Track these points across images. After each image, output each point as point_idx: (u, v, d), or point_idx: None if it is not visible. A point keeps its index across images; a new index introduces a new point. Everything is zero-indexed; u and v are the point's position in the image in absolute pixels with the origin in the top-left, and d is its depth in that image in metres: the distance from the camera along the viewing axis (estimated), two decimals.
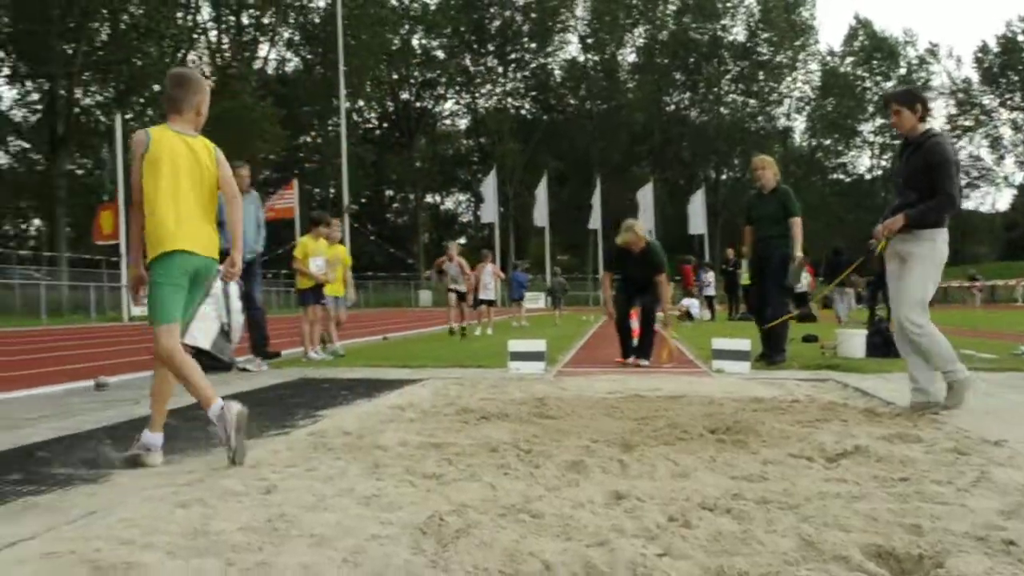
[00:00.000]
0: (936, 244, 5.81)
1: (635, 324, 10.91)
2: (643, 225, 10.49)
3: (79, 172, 47.29)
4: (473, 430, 5.26)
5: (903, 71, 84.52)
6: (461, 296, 18.53)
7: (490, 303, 20.04)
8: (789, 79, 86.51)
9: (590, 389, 7.62)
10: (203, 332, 9.73)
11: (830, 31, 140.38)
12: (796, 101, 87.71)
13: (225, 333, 9.95)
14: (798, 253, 9.67)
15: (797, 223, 9.84)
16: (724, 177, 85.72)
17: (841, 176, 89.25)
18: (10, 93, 71.28)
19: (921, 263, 5.80)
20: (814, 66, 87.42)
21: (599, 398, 6.84)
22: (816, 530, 2.91)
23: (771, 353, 9.88)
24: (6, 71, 48.77)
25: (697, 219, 54.75)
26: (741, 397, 6.08)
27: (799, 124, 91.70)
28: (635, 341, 10.77)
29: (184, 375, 4.51)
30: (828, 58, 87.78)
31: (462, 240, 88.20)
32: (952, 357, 5.83)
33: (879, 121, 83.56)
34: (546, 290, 37.71)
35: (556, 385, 7.99)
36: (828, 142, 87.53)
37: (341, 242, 13.07)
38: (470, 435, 5.04)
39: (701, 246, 58.34)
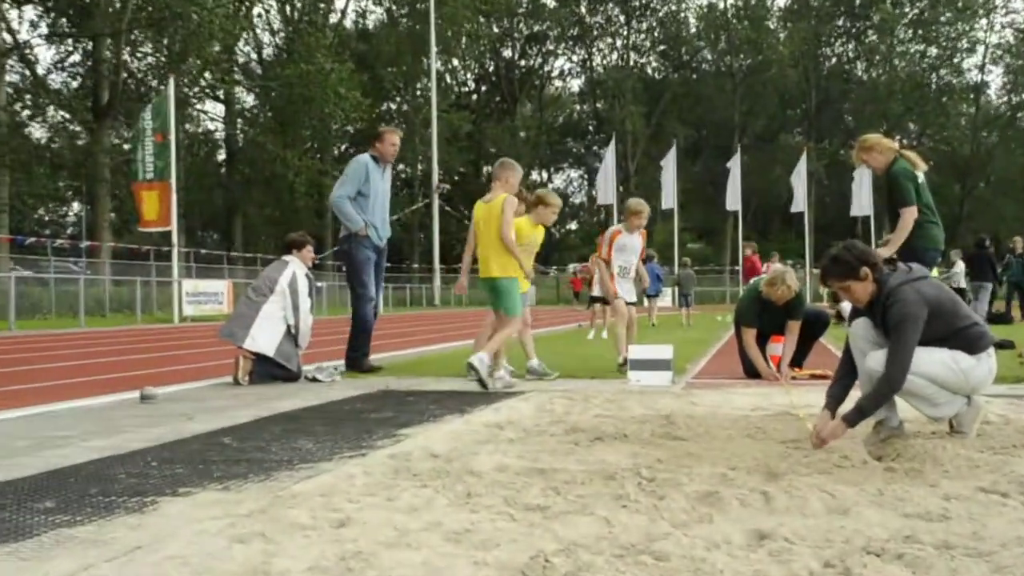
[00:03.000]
0: None
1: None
2: (795, 277, 10.28)
3: (126, 147, 48.65)
4: (585, 453, 5.26)
5: None
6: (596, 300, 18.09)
7: (604, 302, 19.98)
8: (984, 21, 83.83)
9: (727, 405, 7.55)
10: (266, 335, 9.91)
11: None
12: (992, 49, 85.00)
13: (292, 336, 10.12)
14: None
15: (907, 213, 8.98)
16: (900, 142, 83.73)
17: None
18: (48, 54, 73.45)
19: None
20: (1018, 3, 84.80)
21: (738, 416, 6.77)
22: None
23: None
24: (44, 28, 50.22)
25: (862, 198, 53.51)
26: (917, 417, 5.95)
27: (995, 78, 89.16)
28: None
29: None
30: None
31: (573, 225, 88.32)
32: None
33: None
34: (673, 283, 37.49)
35: (685, 400, 7.94)
36: None
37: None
38: (581, 459, 5.04)
39: (866, 230, 57.20)
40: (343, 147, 68.59)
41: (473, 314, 36.93)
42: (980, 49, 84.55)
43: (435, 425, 6.62)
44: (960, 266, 26.56)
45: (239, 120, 62.33)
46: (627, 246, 11.94)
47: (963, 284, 25.43)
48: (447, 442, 5.70)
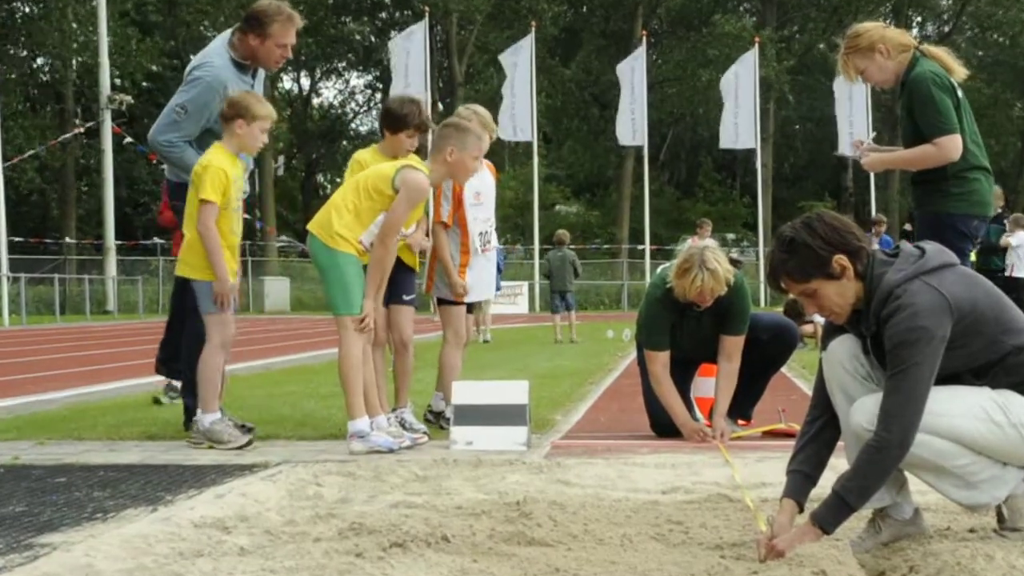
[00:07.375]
0: None
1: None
2: (725, 258, 10.05)
3: None
4: (375, 571, 5.25)
5: None
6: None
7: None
8: None
9: (622, 484, 7.65)
10: None
11: None
12: None
13: None
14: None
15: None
16: (922, 30, 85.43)
17: None
18: None
19: None
20: None
21: (641, 503, 6.86)
22: None
23: None
24: None
25: (858, 124, 53.63)
26: (944, 503, 6.06)
27: None
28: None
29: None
30: None
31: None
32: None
33: None
34: (544, 274, 37.62)
35: (551, 475, 8.03)
36: None
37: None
38: None
39: (861, 184, 57.99)
40: None
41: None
42: None
43: (106, 526, 6.53)
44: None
45: None
46: (483, 192, 11.14)
47: None
48: (127, 558, 5.61)
